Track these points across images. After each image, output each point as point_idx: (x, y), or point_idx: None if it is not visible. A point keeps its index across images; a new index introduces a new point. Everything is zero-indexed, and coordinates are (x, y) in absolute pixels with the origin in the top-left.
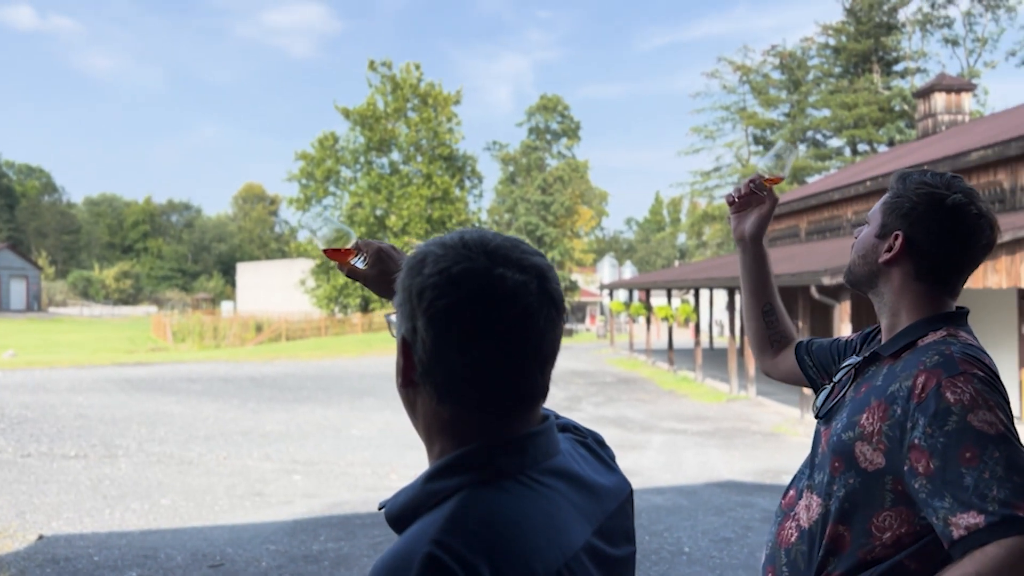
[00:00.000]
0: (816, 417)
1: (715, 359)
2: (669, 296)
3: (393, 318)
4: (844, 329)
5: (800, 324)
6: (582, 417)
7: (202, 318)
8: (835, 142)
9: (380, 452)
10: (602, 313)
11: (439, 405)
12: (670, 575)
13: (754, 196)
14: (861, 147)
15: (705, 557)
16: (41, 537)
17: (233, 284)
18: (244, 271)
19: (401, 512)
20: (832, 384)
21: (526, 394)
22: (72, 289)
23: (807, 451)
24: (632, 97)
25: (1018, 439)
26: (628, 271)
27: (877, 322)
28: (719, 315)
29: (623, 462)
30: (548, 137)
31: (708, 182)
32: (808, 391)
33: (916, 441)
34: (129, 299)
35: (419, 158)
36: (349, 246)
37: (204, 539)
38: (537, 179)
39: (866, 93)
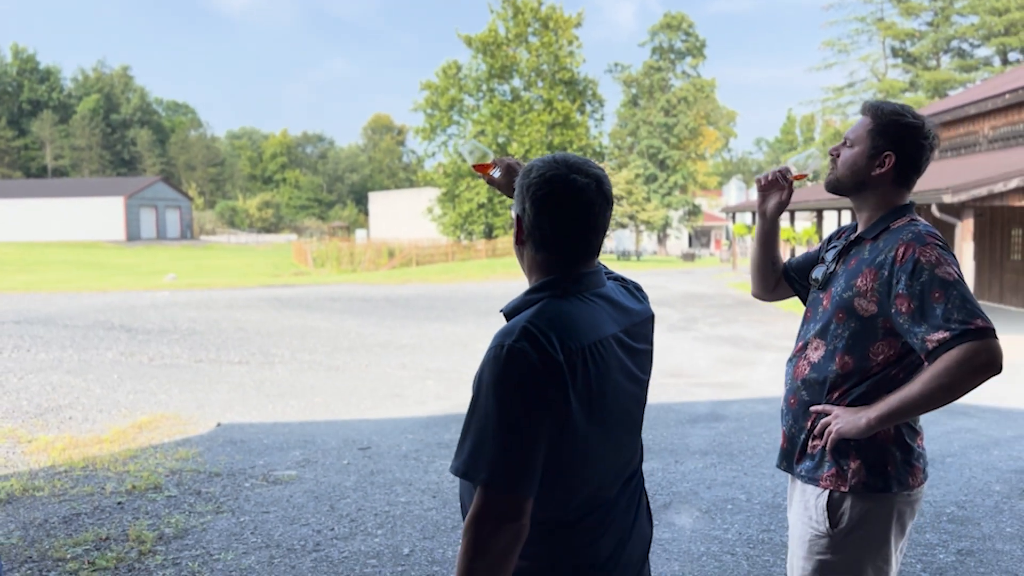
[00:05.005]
0: (816, 288)
1: None
2: (792, 218)
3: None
4: (966, 248)
5: None
6: (696, 336)
7: (339, 245)
8: (983, 51)
9: None
10: (727, 238)
11: (535, 254)
12: (763, 466)
13: (777, 183)
14: (1012, 56)
15: None
16: (219, 424)
17: (365, 212)
18: (375, 200)
19: (512, 309)
20: (827, 262)
21: (585, 250)
22: (220, 218)
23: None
24: (763, 11)
25: (966, 284)
26: (756, 193)
27: (987, 235)
28: None
29: (735, 376)
30: (672, 56)
31: (841, 98)
32: None
33: (900, 291)
34: (271, 227)
35: (540, 83)
36: (488, 162)
37: (353, 429)
38: (660, 100)
39: None
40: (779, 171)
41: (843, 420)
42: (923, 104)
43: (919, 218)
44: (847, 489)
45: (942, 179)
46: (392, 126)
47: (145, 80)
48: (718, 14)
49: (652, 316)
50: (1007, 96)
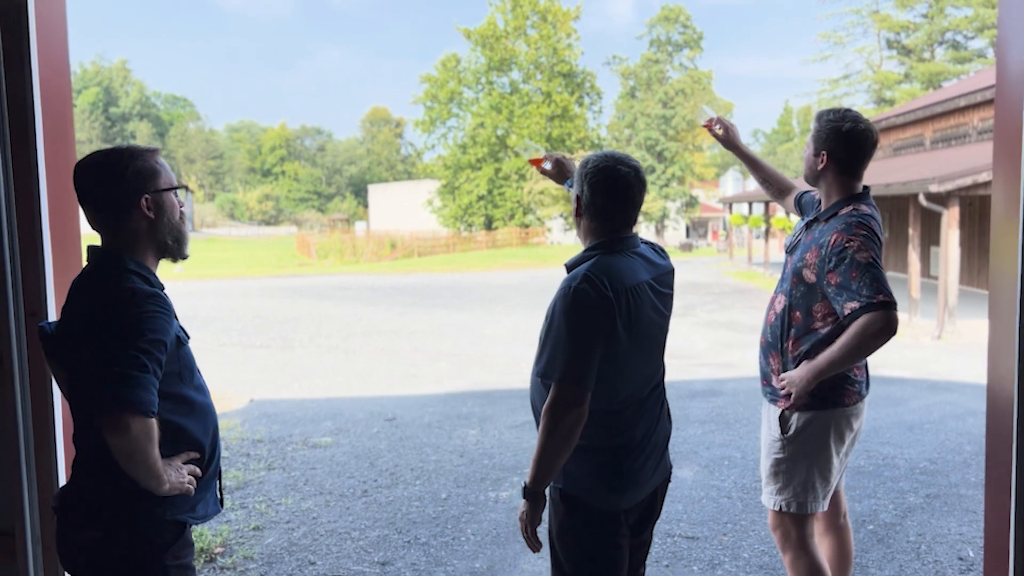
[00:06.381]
0: (785, 250)
1: None
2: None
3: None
4: (952, 235)
5: (911, 232)
6: (694, 321)
7: (341, 237)
8: (977, 43)
9: (511, 347)
10: (724, 228)
11: (590, 222)
12: (758, 431)
13: (711, 129)
14: None
15: None
16: (252, 400)
17: (365, 205)
18: (375, 192)
19: (573, 263)
20: (796, 231)
21: (625, 220)
22: (220, 211)
23: (908, 349)
24: (759, 3)
25: (881, 266)
26: (753, 184)
27: (974, 223)
28: None
29: (732, 358)
30: (669, 49)
31: (837, 90)
32: (916, 295)
33: (830, 268)
34: (271, 220)
35: (538, 76)
36: (540, 156)
37: (377, 404)
38: (658, 93)
39: None
40: (705, 124)
41: (794, 384)
42: (917, 95)
43: (863, 207)
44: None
45: (931, 169)
46: (390, 119)
47: (143, 73)
48: (714, 6)
49: (673, 269)
50: (995, 88)
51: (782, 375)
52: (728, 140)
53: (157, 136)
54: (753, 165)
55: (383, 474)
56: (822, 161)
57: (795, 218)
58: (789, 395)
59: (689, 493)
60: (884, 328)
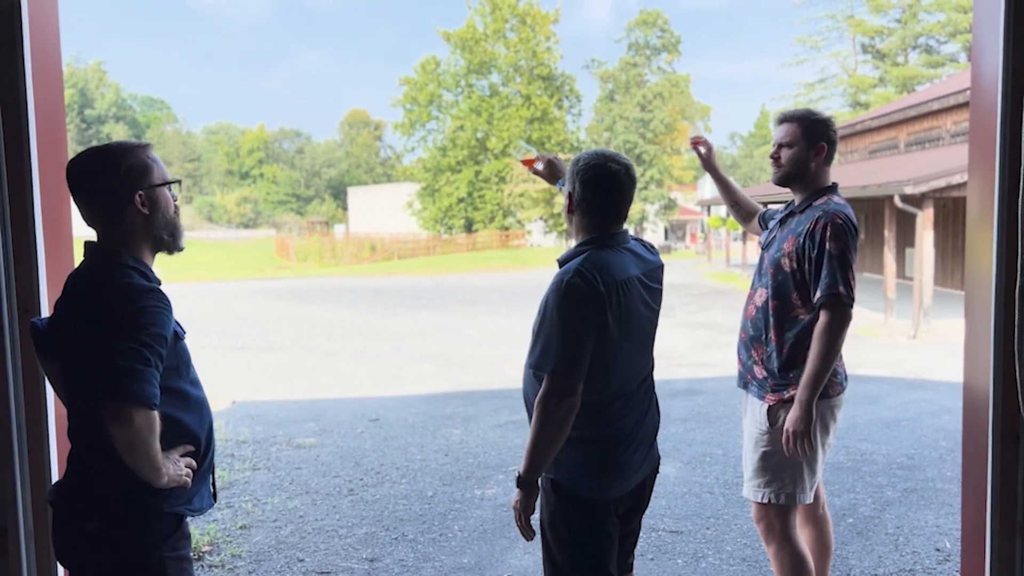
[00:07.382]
0: (761, 248)
1: None
2: None
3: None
4: (926, 236)
5: (887, 233)
6: (674, 322)
7: (320, 239)
8: (949, 47)
9: (494, 348)
10: (702, 231)
11: (582, 219)
12: (738, 429)
13: (696, 146)
14: None
15: None
16: (234, 402)
17: (344, 207)
18: (354, 195)
19: (566, 258)
20: (771, 228)
21: (616, 215)
22: (198, 214)
23: (884, 349)
24: (736, 7)
25: (850, 257)
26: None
27: (948, 224)
28: None
29: (712, 358)
30: (647, 53)
31: (812, 94)
32: (891, 296)
33: (808, 255)
34: (249, 223)
35: (518, 79)
36: (532, 157)
37: (360, 405)
38: (636, 96)
39: None
40: (692, 140)
41: (793, 425)
42: (892, 99)
43: (835, 198)
44: (781, 401)
45: (906, 172)
46: (369, 121)
47: (119, 75)
48: (692, 9)
49: (662, 265)
50: (968, 92)
51: (786, 429)
52: (708, 161)
53: (133, 138)
54: (726, 188)
55: (368, 473)
56: (819, 153)
57: None
58: (780, 399)
59: (672, 489)
60: (841, 322)
